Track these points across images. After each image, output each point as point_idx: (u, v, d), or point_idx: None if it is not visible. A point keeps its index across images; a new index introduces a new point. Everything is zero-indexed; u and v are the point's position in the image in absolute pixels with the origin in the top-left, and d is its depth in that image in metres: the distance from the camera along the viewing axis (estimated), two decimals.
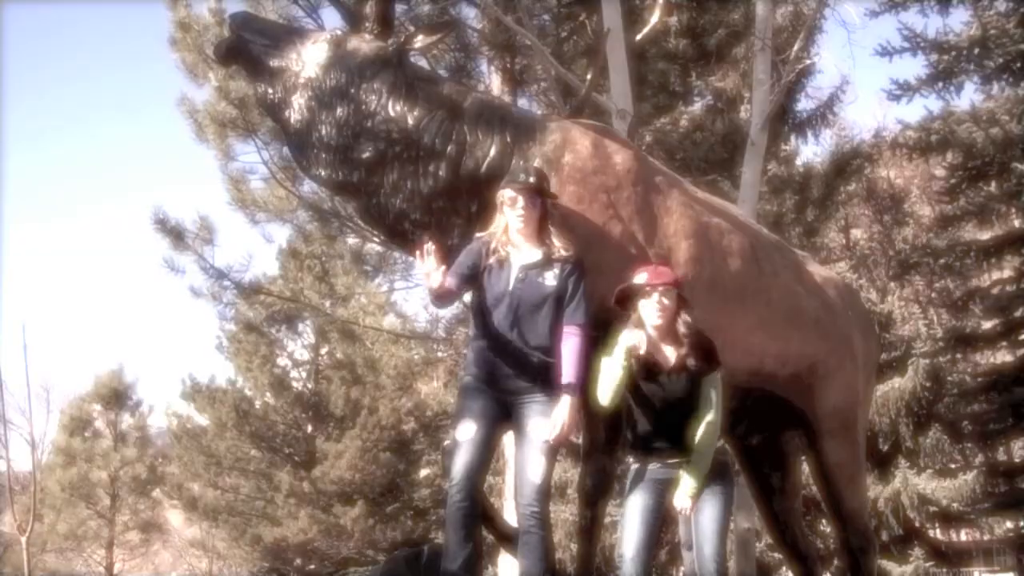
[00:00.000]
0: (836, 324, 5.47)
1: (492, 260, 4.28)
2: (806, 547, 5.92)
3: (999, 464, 17.52)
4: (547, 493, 4.17)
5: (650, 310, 4.17)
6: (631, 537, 4.12)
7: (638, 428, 4.25)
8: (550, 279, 4.21)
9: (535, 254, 4.25)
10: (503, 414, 4.27)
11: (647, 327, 4.18)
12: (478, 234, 4.39)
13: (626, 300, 4.24)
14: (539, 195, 4.26)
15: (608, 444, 4.55)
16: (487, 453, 4.25)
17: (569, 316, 4.20)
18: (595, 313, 4.38)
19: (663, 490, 4.18)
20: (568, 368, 4.14)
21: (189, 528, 30.82)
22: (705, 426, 4.16)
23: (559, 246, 4.24)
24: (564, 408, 4.11)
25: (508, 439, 4.58)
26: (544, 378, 4.19)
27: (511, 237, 4.28)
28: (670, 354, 4.18)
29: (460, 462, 4.14)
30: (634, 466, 4.26)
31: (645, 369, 4.16)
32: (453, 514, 4.13)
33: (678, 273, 4.48)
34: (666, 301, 4.16)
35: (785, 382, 5.18)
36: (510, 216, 4.26)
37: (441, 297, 4.32)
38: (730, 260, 4.89)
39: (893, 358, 17.65)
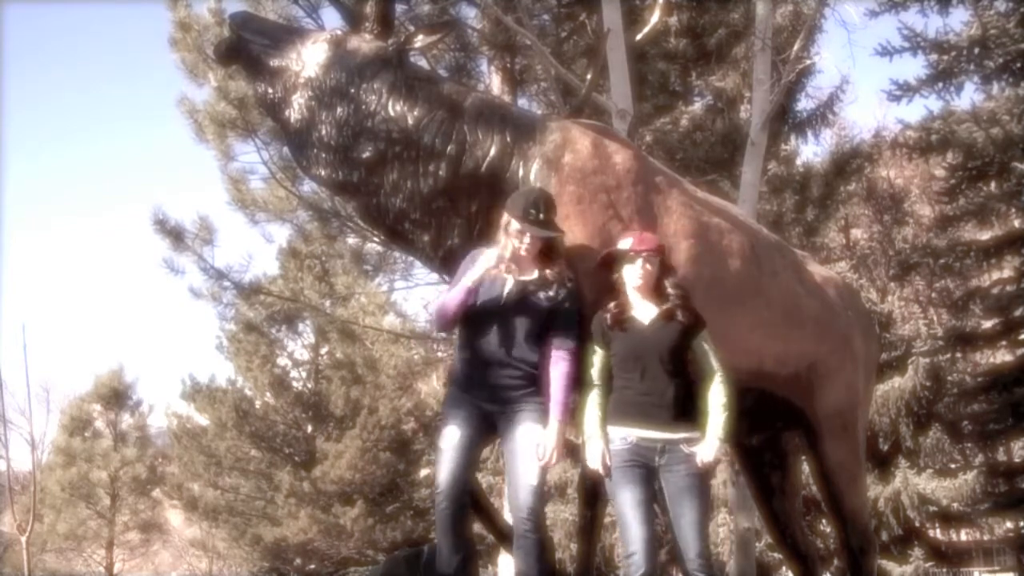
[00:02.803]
0: (836, 324, 5.46)
1: (492, 273, 4.25)
2: (806, 547, 5.91)
3: (999, 464, 17.53)
4: (542, 495, 4.16)
5: (632, 274, 4.24)
6: (636, 533, 4.01)
7: (619, 389, 4.20)
8: (544, 299, 4.22)
9: (531, 272, 4.26)
10: (487, 421, 4.26)
11: (627, 289, 4.25)
12: (480, 249, 4.34)
13: (610, 264, 4.31)
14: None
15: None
16: (472, 457, 4.24)
17: (560, 340, 4.21)
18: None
19: (650, 478, 4.09)
20: (556, 393, 4.16)
21: (189, 528, 30.85)
22: (714, 385, 4.19)
23: (556, 271, 4.23)
24: (552, 434, 4.12)
25: None
26: (533, 387, 4.21)
27: (513, 261, 4.27)
28: (650, 309, 4.22)
29: (445, 469, 4.14)
30: (614, 440, 4.12)
31: (619, 324, 4.21)
32: (442, 520, 4.14)
33: (677, 274, 4.50)
34: (649, 267, 4.24)
35: (785, 382, 5.17)
36: (513, 244, 4.22)
37: (452, 321, 4.33)
38: (730, 260, 4.88)
39: (893, 358, 17.66)
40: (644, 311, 4.24)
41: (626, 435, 4.11)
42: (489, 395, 4.24)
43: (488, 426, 4.27)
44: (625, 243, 4.28)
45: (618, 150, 4.74)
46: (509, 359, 4.22)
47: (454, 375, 4.45)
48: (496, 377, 4.23)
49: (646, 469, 4.09)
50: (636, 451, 4.09)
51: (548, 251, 4.27)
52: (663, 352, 4.14)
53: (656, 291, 4.25)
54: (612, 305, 4.25)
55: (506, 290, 4.24)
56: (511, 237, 4.22)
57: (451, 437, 4.19)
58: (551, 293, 4.22)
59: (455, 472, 4.14)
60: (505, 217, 4.26)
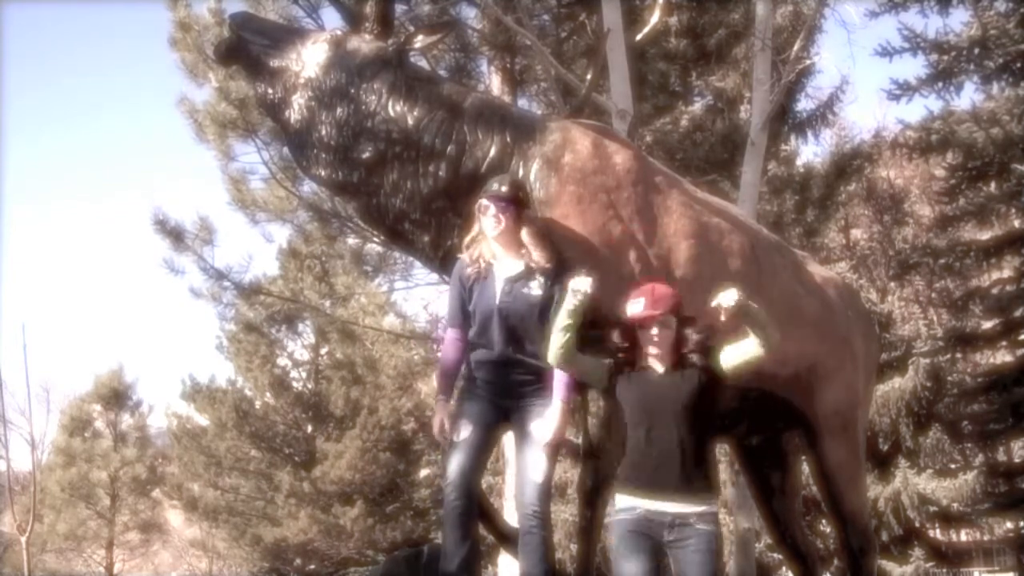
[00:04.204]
0: (836, 324, 5.46)
1: (473, 272, 4.31)
2: (806, 547, 5.91)
3: (999, 464, 17.55)
4: (548, 493, 4.20)
5: (647, 340, 3.97)
6: None
7: (629, 450, 3.93)
8: (535, 288, 4.24)
9: (517, 265, 4.28)
10: (500, 417, 4.32)
11: (648, 355, 3.97)
12: (462, 258, 4.40)
13: (626, 332, 4.02)
14: (512, 204, 4.27)
15: (600, 443, 4.55)
16: (483, 454, 4.28)
17: None
18: (590, 312, 4.38)
19: (657, 551, 3.84)
20: (559, 377, 4.18)
21: (189, 528, 30.84)
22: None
23: (539, 256, 4.25)
24: (556, 413, 4.17)
25: (508, 439, 4.59)
26: (542, 381, 4.24)
27: (491, 246, 4.31)
28: (664, 359, 3.98)
29: (456, 463, 4.18)
30: (620, 510, 3.89)
31: (631, 369, 3.98)
32: (450, 514, 4.17)
33: (677, 274, 4.50)
34: (667, 330, 3.96)
35: (785, 382, 5.17)
36: (484, 223, 4.30)
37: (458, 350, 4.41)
38: (730, 260, 4.88)
39: (893, 358, 17.66)
40: (660, 364, 3.99)
41: (634, 505, 3.87)
42: (503, 392, 4.30)
43: (502, 419, 4.32)
44: (636, 305, 3.95)
45: (618, 150, 4.75)
46: (514, 357, 4.26)
47: (467, 372, 4.48)
48: (504, 376, 4.29)
49: (653, 541, 3.84)
50: (643, 524, 3.85)
51: (519, 225, 4.27)
52: (677, 406, 3.86)
53: (675, 351, 3.98)
54: (626, 350, 4.01)
55: (498, 292, 4.27)
56: (481, 216, 4.30)
57: (463, 431, 4.23)
58: (540, 280, 4.24)
59: (465, 466, 4.18)
60: (476, 206, 4.34)
